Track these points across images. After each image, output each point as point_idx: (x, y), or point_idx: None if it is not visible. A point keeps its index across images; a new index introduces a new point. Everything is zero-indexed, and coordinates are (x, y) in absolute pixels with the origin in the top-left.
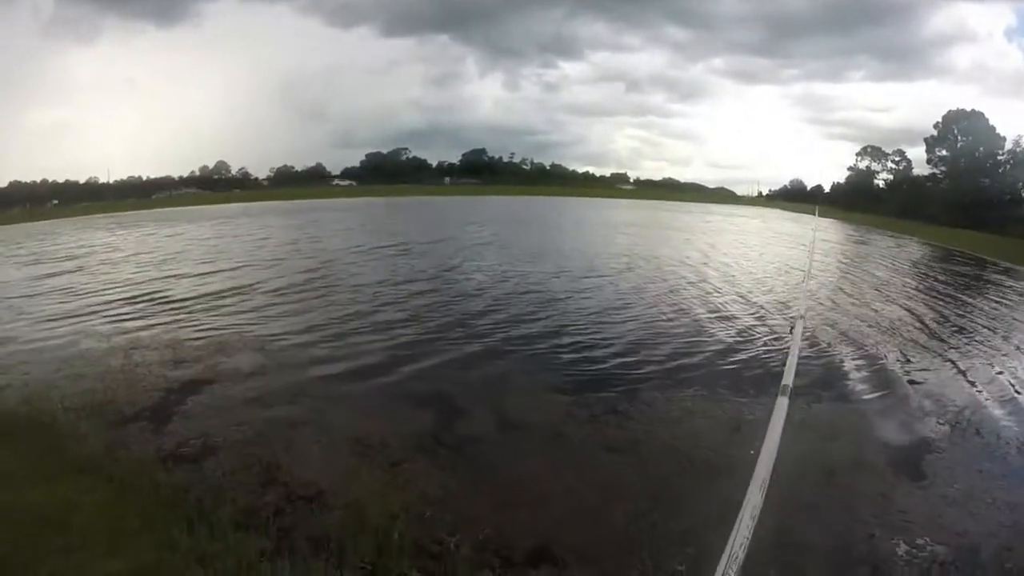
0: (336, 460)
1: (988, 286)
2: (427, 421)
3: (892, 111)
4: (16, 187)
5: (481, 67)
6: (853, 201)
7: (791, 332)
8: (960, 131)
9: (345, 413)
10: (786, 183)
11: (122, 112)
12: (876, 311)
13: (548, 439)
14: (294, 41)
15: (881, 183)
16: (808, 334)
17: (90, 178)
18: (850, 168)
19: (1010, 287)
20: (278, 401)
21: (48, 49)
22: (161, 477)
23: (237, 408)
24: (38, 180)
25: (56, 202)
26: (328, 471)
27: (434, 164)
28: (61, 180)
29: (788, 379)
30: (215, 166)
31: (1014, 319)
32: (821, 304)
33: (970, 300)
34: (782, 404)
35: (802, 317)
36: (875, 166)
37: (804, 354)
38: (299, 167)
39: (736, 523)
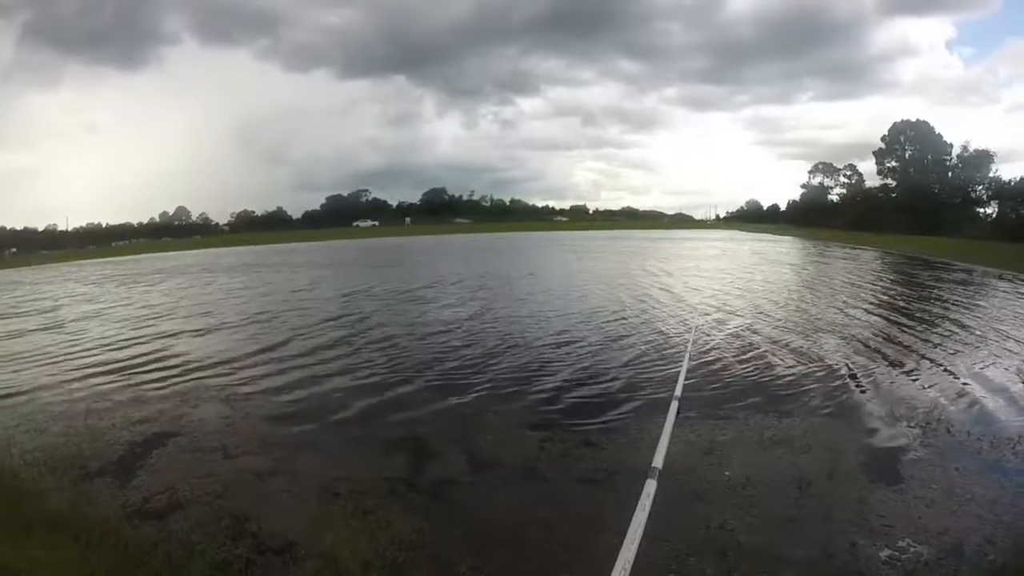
0: (306, 509)
1: (932, 284)
2: (399, 465)
3: (841, 128)
4: None
5: (439, 106)
6: (809, 217)
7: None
8: (907, 141)
9: (314, 461)
10: (743, 204)
11: (82, 158)
12: (825, 317)
13: (522, 475)
14: (253, 86)
15: (835, 198)
16: (757, 343)
17: (49, 225)
18: (804, 185)
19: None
20: (244, 451)
21: (7, 94)
22: (128, 533)
23: (203, 460)
24: None
25: (15, 250)
26: (299, 521)
27: (394, 204)
28: (19, 227)
29: (658, 460)
30: (175, 212)
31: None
32: (773, 316)
33: (917, 300)
34: (650, 487)
35: (676, 399)
36: (828, 182)
37: (760, 366)
38: (259, 211)
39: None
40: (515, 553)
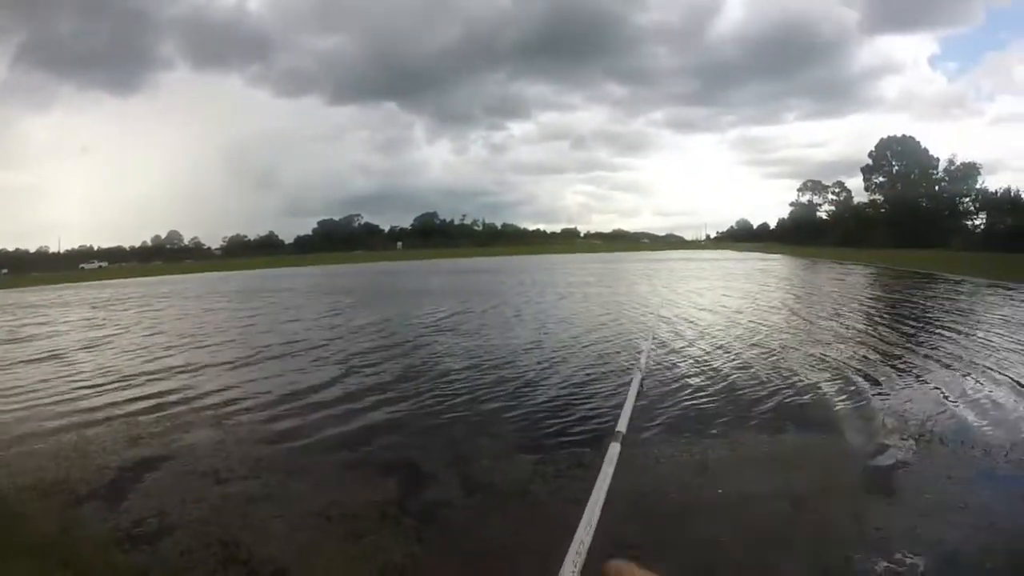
0: (298, 535)
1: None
2: (392, 489)
3: (828, 145)
4: None
5: (429, 132)
6: (799, 235)
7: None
8: (894, 156)
9: (306, 486)
10: (733, 224)
11: (74, 180)
12: (821, 330)
13: (516, 498)
14: (245, 111)
15: (824, 215)
16: (760, 359)
17: (40, 247)
18: (792, 204)
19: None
20: (236, 476)
21: (0, 115)
22: (118, 559)
23: (194, 484)
24: None
25: (6, 271)
26: (290, 546)
27: (387, 229)
28: (11, 248)
29: (622, 425)
30: (167, 235)
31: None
32: (771, 326)
33: (903, 313)
34: (614, 450)
35: (640, 370)
36: (817, 199)
37: (755, 379)
38: (251, 235)
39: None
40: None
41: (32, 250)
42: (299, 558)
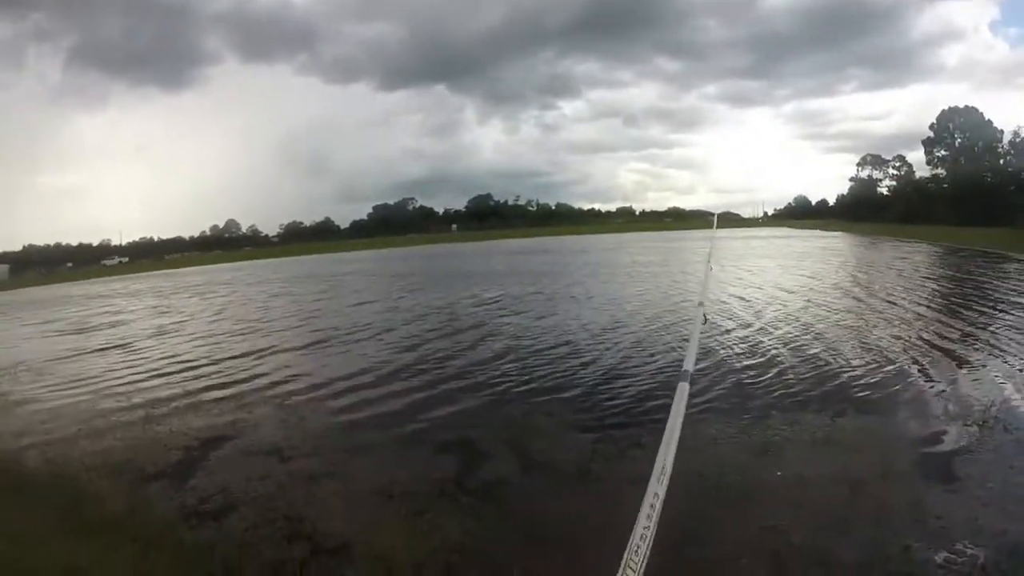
0: (359, 511)
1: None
2: (450, 467)
3: (887, 118)
4: (30, 251)
5: (480, 113)
6: (859, 212)
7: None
8: (956, 128)
9: (367, 463)
10: (791, 201)
11: (132, 175)
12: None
13: (574, 477)
14: (296, 100)
15: (884, 190)
16: (818, 340)
17: (103, 240)
18: (852, 179)
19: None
20: (299, 454)
21: (57, 115)
22: (185, 535)
23: (258, 462)
24: (51, 243)
25: (71, 265)
26: (352, 522)
27: (441, 212)
28: (75, 243)
29: (689, 364)
30: (225, 224)
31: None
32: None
33: (972, 298)
34: (683, 389)
35: (702, 304)
36: (877, 174)
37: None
38: (307, 222)
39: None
40: (566, 554)
41: (95, 244)
42: (361, 534)
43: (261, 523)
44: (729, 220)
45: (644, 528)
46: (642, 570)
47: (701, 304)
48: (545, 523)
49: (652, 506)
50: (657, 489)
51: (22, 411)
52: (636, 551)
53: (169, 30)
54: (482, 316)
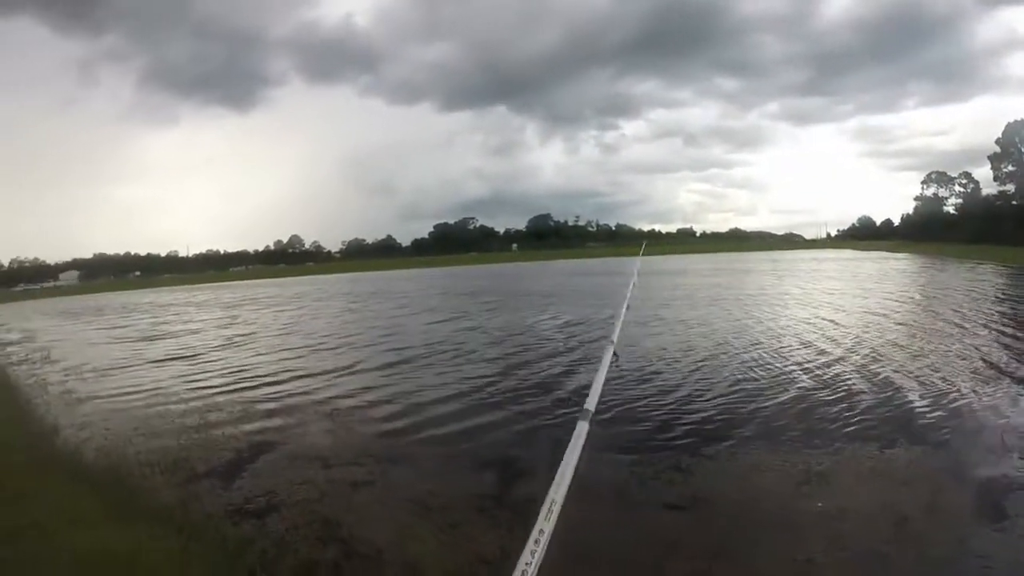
0: (396, 520)
1: None
2: (489, 482)
3: (952, 133)
4: (101, 259)
5: (540, 134)
6: (926, 231)
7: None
8: (1023, 142)
9: (407, 474)
10: (854, 221)
11: (200, 190)
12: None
13: (610, 498)
14: (359, 120)
15: (951, 209)
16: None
17: (171, 251)
18: (917, 198)
19: None
20: (342, 462)
21: (129, 132)
22: (227, 529)
23: (303, 468)
24: (121, 253)
25: (138, 273)
26: (387, 530)
27: (501, 231)
28: (143, 253)
29: (591, 404)
30: (289, 240)
31: None
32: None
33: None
34: (582, 428)
35: (612, 341)
36: (943, 192)
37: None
38: (369, 239)
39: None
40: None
41: (163, 255)
42: (394, 541)
43: (300, 524)
44: (793, 242)
45: (526, 564)
46: None
47: (612, 341)
48: (579, 541)
49: (536, 542)
50: (543, 526)
51: (85, 408)
52: None
53: (237, 53)
54: (545, 338)
